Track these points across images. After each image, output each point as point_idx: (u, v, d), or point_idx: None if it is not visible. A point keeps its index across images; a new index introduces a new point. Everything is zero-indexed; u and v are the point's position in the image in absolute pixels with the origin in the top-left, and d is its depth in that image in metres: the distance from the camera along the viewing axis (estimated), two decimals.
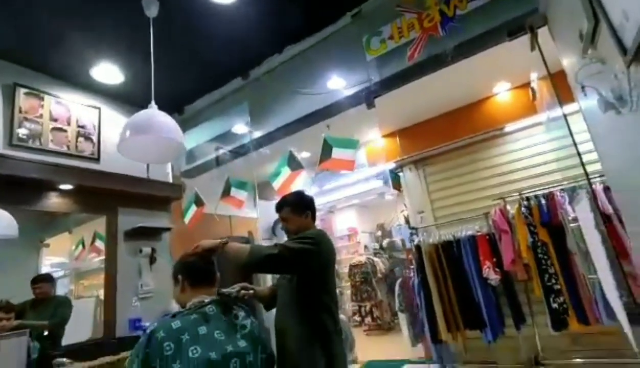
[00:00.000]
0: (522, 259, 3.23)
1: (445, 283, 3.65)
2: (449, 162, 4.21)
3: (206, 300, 1.46)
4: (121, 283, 2.64)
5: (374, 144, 4.82)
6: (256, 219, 5.06)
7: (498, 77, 3.66)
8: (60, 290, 3.46)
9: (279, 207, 1.84)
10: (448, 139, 4.06)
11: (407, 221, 4.38)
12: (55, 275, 3.57)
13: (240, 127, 3.62)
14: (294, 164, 2.55)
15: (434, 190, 4.32)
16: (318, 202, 5.52)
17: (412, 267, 4.35)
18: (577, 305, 2.95)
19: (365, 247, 8.00)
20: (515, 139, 3.80)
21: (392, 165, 4.52)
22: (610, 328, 2.87)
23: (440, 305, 3.63)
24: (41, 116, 2.48)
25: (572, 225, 2.64)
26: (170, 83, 1.95)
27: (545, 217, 3.13)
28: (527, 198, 3.27)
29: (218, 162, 3.61)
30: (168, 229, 2.95)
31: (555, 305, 3.01)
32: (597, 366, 3.08)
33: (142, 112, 1.74)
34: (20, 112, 2.37)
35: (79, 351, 2.07)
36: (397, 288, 4.43)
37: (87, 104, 2.75)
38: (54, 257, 3.60)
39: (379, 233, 8.33)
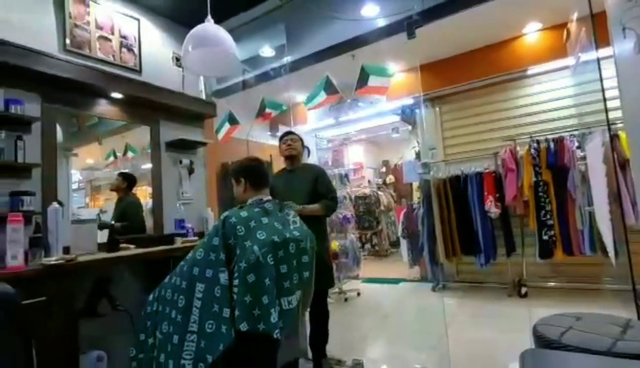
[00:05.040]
0: (523, 196, 3.55)
1: (448, 213, 4.02)
2: (465, 101, 4.32)
3: (264, 198, 1.73)
4: (166, 189, 2.94)
5: (393, 78, 4.84)
6: (272, 146, 5.27)
7: (532, 15, 3.61)
8: (77, 202, 3.77)
9: (294, 133, 2.43)
10: (468, 77, 4.12)
11: (418, 156, 4.61)
12: (78, 185, 3.86)
13: (267, 51, 3.64)
14: (331, 89, 2.68)
15: (447, 128, 4.50)
16: (332, 134, 5.72)
17: (418, 198, 4.70)
18: (566, 238, 3.34)
19: (369, 181, 8.34)
20: (536, 82, 3.88)
21: (409, 100, 4.61)
22: (587, 259, 3.30)
23: (441, 232, 4.04)
24: (88, 23, 2.52)
25: (579, 163, 2.89)
26: None
27: (552, 160, 3.38)
28: (538, 141, 3.48)
29: (244, 85, 3.70)
30: (204, 143, 3.17)
31: (545, 237, 3.39)
32: (564, 288, 3.57)
33: (202, 26, 1.82)
34: (70, 17, 2.43)
35: (138, 241, 2.41)
36: (402, 217, 4.82)
37: (126, 13, 2.77)
38: (82, 166, 3.85)
39: (384, 169, 8.64)
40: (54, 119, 2.41)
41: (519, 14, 3.54)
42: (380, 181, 8.34)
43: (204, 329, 1.39)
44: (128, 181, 2.92)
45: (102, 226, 2.30)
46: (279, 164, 4.78)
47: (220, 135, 3.47)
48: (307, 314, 2.23)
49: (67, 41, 2.42)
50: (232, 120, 3.38)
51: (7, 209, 2.00)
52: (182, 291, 1.48)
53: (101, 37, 2.59)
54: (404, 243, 4.87)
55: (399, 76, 4.73)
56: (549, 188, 3.42)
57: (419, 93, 4.12)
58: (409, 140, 5.88)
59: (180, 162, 3.04)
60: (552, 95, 3.78)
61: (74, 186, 3.55)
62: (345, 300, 4.05)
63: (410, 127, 5.06)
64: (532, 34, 3.91)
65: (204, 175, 3.26)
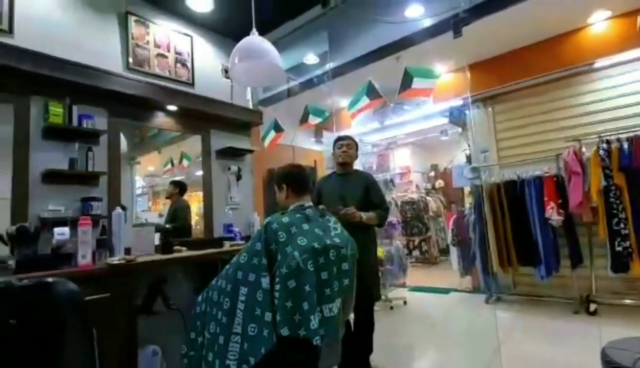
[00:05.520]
0: (591, 202, 3.21)
1: (502, 220, 3.75)
2: (522, 100, 4.02)
3: (306, 204, 1.74)
4: (215, 195, 3.10)
5: (440, 79, 4.66)
6: (317, 152, 5.33)
7: (598, 3, 3.27)
8: (141, 206, 4.07)
9: (350, 138, 2.37)
10: (524, 75, 3.83)
11: (469, 160, 4.37)
12: (141, 190, 4.19)
13: (311, 58, 3.70)
14: (373, 93, 2.65)
15: (502, 130, 4.21)
16: (377, 138, 5.65)
17: (469, 203, 4.46)
18: None
19: (417, 186, 8.09)
20: (605, 76, 3.50)
21: (458, 101, 4.41)
22: None
23: (495, 240, 3.78)
24: (148, 43, 2.78)
25: None
26: (249, 11, 2.05)
27: (626, 161, 3.02)
28: (607, 141, 3.14)
29: (289, 93, 3.80)
30: (251, 151, 3.30)
31: (619, 248, 3.03)
32: None
33: (248, 39, 1.91)
34: (132, 38, 2.68)
35: (189, 243, 2.55)
36: (451, 223, 4.60)
37: (181, 31, 3.01)
38: (145, 173, 4.18)
39: (432, 173, 8.33)
40: (119, 131, 2.66)
41: (582, 3, 3.23)
42: (428, 186, 8.06)
43: (246, 332, 1.42)
44: (179, 188, 3.12)
45: (158, 229, 2.47)
46: (323, 170, 4.83)
47: (266, 143, 3.58)
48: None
49: (130, 60, 2.67)
50: (277, 128, 3.48)
51: (79, 213, 2.23)
52: (227, 293, 1.53)
53: (159, 55, 2.82)
54: (454, 251, 4.64)
55: (446, 77, 4.55)
56: (622, 193, 3.06)
57: (468, 93, 3.92)
58: (459, 143, 5.62)
59: (229, 168, 3.19)
60: (624, 90, 3.38)
61: (138, 191, 3.88)
62: (391, 308, 3.94)
63: (460, 129, 4.83)
64: (600, 24, 3.54)
65: (251, 181, 3.39)
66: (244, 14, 2.16)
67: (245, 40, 1.93)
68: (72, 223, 2.06)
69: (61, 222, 2.15)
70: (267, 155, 4.16)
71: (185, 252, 2.40)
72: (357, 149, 2.41)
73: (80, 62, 2.38)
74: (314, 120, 3.19)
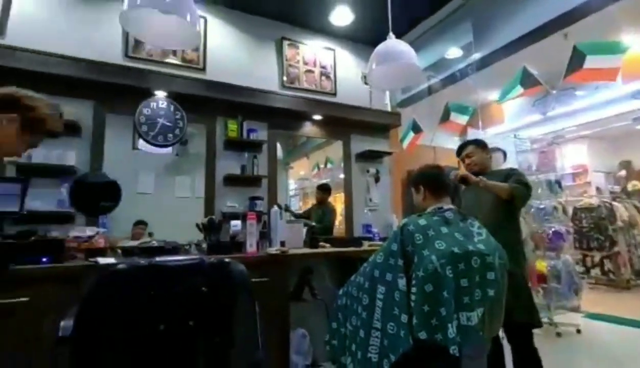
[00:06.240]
0: None
1: None
2: None
3: (445, 207, 1.65)
4: (355, 196, 3.28)
5: (630, 52, 3.62)
6: None
7: None
8: (294, 206, 4.56)
9: (470, 144, 2.15)
10: None
11: None
12: (294, 192, 4.72)
13: (454, 52, 3.46)
14: (529, 81, 2.29)
15: None
16: (540, 132, 4.83)
17: None
18: None
19: (598, 188, 6.52)
20: None
21: None
22: None
23: None
24: (298, 62, 3.20)
25: None
26: (386, 16, 2.06)
27: None
28: None
29: (430, 91, 3.65)
30: (389, 153, 3.35)
31: None
32: None
33: (384, 43, 1.96)
34: (286, 60, 3.13)
35: (332, 240, 2.77)
36: None
37: (325, 47, 3.33)
38: (297, 177, 4.72)
39: (623, 173, 6.57)
40: (276, 141, 3.12)
41: None
42: (616, 188, 6.41)
43: (386, 329, 1.45)
44: (328, 192, 3.41)
45: (305, 225, 2.77)
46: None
47: (405, 144, 3.54)
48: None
49: (284, 79, 3.10)
50: (416, 128, 3.40)
51: (247, 209, 2.72)
52: (365, 290, 1.59)
53: (307, 71, 3.19)
54: None
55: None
56: None
57: None
58: None
59: (368, 171, 3.31)
60: None
61: (292, 193, 4.44)
62: (558, 334, 3.29)
63: None
64: None
65: (389, 183, 3.42)
66: (382, 20, 2.21)
67: (381, 45, 1.97)
68: (243, 218, 2.53)
69: (235, 216, 2.66)
70: (407, 157, 4.10)
71: (328, 248, 2.61)
72: (484, 149, 2.14)
73: (250, 86, 2.91)
74: (456, 118, 2.97)
